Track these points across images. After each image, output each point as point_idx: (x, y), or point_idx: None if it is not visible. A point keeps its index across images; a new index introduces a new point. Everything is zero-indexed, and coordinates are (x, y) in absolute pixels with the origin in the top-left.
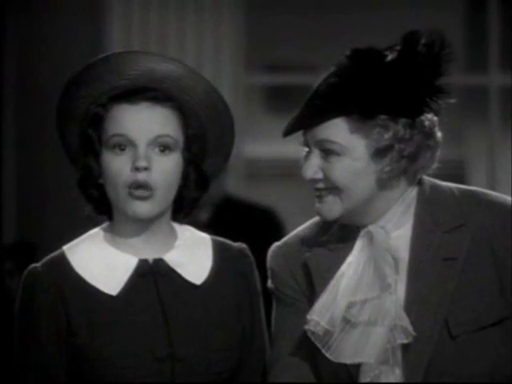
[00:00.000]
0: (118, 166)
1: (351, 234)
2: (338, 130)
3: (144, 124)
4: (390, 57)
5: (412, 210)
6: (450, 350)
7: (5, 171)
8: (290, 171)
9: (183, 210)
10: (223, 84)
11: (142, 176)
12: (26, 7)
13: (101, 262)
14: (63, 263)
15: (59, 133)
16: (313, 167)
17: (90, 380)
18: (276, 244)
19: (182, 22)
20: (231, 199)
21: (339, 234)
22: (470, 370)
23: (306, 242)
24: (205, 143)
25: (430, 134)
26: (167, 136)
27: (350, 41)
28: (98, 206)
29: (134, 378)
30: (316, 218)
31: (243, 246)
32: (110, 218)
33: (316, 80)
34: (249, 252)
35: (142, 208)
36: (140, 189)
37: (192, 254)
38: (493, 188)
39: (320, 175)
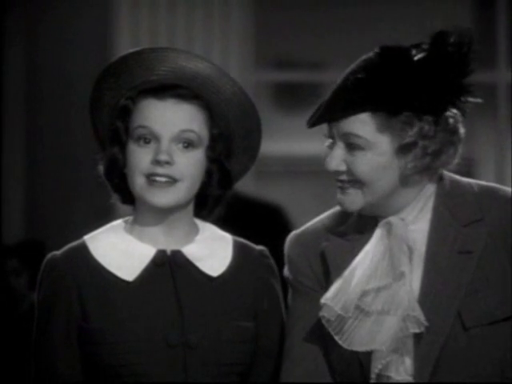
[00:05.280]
0: (139, 157)
1: (369, 224)
2: (363, 124)
3: (169, 119)
4: (418, 55)
5: (431, 204)
6: (462, 341)
7: (14, 170)
8: (298, 168)
9: (206, 207)
10: None
11: (162, 170)
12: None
13: (120, 250)
14: (83, 251)
15: (91, 123)
16: (336, 159)
17: (103, 364)
18: (294, 232)
19: (190, 18)
20: (239, 196)
21: (357, 225)
22: (480, 363)
23: (324, 231)
24: (230, 143)
25: (453, 131)
26: (191, 131)
27: (359, 38)
28: (123, 196)
29: (145, 363)
30: (335, 209)
31: (264, 248)
32: (130, 203)
33: (341, 74)
34: (269, 255)
35: (162, 197)
36: (162, 177)
37: (211, 249)
38: (501, 185)
39: (343, 167)
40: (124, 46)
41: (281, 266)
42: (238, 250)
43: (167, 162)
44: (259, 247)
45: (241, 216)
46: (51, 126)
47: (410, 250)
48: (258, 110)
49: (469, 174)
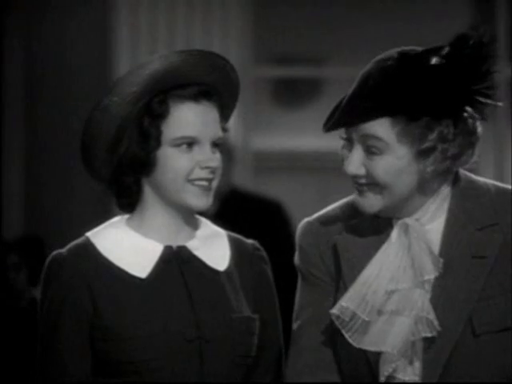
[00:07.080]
0: (183, 162)
1: (383, 222)
2: (383, 127)
3: (208, 124)
4: (437, 61)
5: (446, 204)
6: (472, 347)
7: (13, 165)
8: (297, 164)
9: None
10: None
11: (210, 175)
12: (28, 5)
13: (127, 246)
14: (89, 247)
15: (90, 129)
16: (355, 163)
17: (119, 361)
18: (307, 220)
19: (189, 13)
20: (238, 191)
21: (371, 221)
22: (488, 369)
23: (337, 222)
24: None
25: (472, 132)
26: (222, 137)
27: (358, 34)
28: (126, 195)
29: (163, 358)
30: (348, 198)
31: (255, 242)
32: (131, 207)
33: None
34: (260, 247)
35: (202, 200)
36: (205, 181)
37: (212, 244)
38: (500, 181)
39: (362, 171)
40: (124, 45)
41: (280, 259)
42: (234, 244)
43: (214, 167)
44: (250, 241)
45: (239, 211)
46: (51, 121)
47: (436, 258)
48: (252, 104)
49: (468, 171)
